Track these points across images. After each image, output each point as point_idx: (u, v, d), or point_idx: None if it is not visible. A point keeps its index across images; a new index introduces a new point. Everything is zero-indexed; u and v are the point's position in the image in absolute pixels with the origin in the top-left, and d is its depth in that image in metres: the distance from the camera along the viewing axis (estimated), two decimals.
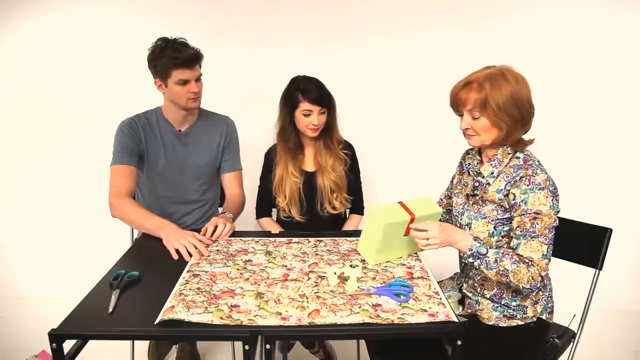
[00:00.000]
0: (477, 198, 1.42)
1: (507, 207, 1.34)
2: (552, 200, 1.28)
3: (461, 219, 1.46)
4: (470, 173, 1.48)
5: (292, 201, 1.85)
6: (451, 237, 1.33)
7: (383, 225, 1.32)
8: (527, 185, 1.28)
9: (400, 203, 1.40)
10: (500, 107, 1.28)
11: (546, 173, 1.31)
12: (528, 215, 1.27)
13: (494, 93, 1.28)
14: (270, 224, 1.93)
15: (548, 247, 1.28)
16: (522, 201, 1.28)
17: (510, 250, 1.30)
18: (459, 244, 1.33)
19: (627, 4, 2.32)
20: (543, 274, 1.27)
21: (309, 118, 1.77)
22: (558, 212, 1.31)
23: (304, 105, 1.75)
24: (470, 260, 1.32)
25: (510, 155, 1.36)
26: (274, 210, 1.99)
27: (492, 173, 1.38)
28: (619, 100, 2.44)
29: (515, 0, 2.37)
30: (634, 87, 2.42)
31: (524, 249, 1.28)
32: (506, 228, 1.36)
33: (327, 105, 1.79)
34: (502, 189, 1.34)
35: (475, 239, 1.34)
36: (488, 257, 1.29)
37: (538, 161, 1.36)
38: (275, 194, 1.88)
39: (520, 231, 1.29)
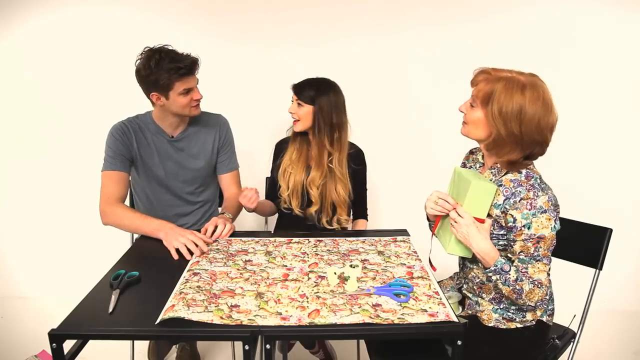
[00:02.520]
0: None
1: (503, 225, 1.31)
2: (554, 221, 1.26)
3: None
4: None
5: (294, 193, 1.85)
6: (473, 243, 1.29)
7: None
8: (529, 210, 1.25)
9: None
10: (501, 113, 1.23)
11: (547, 193, 1.26)
12: (532, 240, 1.26)
13: (501, 96, 1.23)
14: (264, 202, 1.93)
15: (548, 266, 1.30)
16: (524, 226, 1.26)
17: (524, 270, 1.28)
18: (483, 255, 1.29)
19: (627, 4, 2.32)
20: (548, 292, 1.31)
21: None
22: (557, 231, 1.29)
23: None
24: (490, 274, 1.30)
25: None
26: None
27: (491, 180, 1.36)
28: (619, 100, 2.44)
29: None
30: (634, 87, 2.42)
31: (532, 272, 1.27)
32: (501, 242, 1.33)
33: (307, 100, 1.79)
34: (500, 204, 1.31)
35: (503, 254, 1.32)
36: (509, 274, 1.27)
37: (540, 178, 1.31)
38: (279, 181, 1.87)
39: (525, 255, 1.27)
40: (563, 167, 2.36)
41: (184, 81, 1.63)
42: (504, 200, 1.30)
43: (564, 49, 2.39)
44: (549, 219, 1.25)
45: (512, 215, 1.27)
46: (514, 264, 1.30)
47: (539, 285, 1.27)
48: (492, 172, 1.37)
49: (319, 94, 1.77)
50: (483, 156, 1.45)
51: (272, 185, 1.93)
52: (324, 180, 1.81)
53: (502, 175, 1.34)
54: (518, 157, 1.28)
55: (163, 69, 1.59)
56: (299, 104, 1.79)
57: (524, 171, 1.32)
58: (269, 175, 2.01)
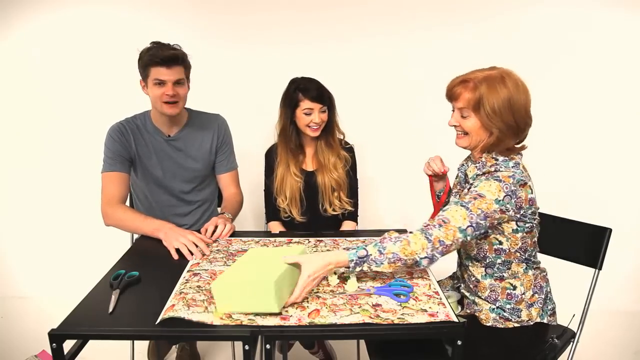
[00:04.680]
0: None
1: None
2: (504, 197, 1.23)
3: None
4: (460, 175, 1.49)
5: (293, 201, 1.86)
6: (321, 267, 1.18)
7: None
8: (486, 178, 1.27)
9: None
10: (495, 110, 1.25)
11: (514, 173, 1.26)
12: (471, 193, 1.25)
13: (489, 95, 1.25)
14: (277, 229, 1.93)
15: (469, 227, 1.21)
16: (474, 187, 1.27)
17: (387, 235, 1.25)
18: (339, 263, 1.22)
19: (627, 4, 2.32)
20: (447, 242, 1.19)
21: (309, 117, 1.78)
22: (504, 212, 1.25)
23: (305, 104, 1.77)
24: (359, 269, 1.22)
25: (495, 160, 1.34)
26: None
27: (475, 175, 1.36)
28: (619, 100, 2.44)
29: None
30: (634, 87, 2.42)
31: (449, 211, 1.23)
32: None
33: (327, 103, 1.81)
34: (470, 185, 1.33)
35: (347, 248, 1.27)
36: (371, 255, 1.20)
37: (515, 164, 1.31)
38: (276, 194, 1.88)
39: (455, 199, 1.27)
40: (563, 167, 2.36)
41: (157, 70, 1.61)
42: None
43: (564, 49, 2.39)
44: (499, 190, 1.23)
45: (473, 186, 1.29)
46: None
47: (439, 226, 1.20)
48: (476, 167, 1.38)
49: (330, 93, 1.83)
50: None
51: (271, 198, 1.93)
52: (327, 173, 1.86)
53: (486, 169, 1.34)
54: (514, 143, 1.33)
55: (147, 55, 1.62)
56: (322, 111, 1.80)
57: (500, 158, 1.32)
58: None
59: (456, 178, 1.58)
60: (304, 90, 1.77)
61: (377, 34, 2.43)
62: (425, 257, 1.20)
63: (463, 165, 1.51)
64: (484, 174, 1.30)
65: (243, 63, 2.46)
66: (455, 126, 1.37)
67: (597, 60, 2.40)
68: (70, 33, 2.45)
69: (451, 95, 1.35)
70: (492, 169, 1.29)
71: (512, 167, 1.30)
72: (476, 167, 1.38)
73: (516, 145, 1.35)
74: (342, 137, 1.93)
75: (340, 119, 1.90)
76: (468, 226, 1.21)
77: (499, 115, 1.26)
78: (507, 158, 1.33)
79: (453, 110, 1.37)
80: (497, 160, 1.33)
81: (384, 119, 2.53)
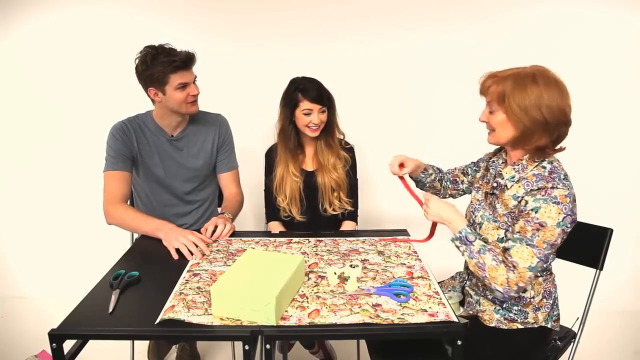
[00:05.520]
0: (494, 198, 1.40)
1: (516, 214, 1.30)
2: (564, 218, 1.21)
3: (475, 217, 1.45)
4: (491, 171, 1.47)
5: (293, 201, 1.86)
6: (444, 216, 1.38)
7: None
8: (543, 196, 1.23)
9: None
10: (521, 106, 1.23)
11: (568, 189, 1.24)
12: (533, 223, 1.23)
13: (515, 90, 1.24)
14: (277, 229, 1.93)
15: (539, 262, 1.23)
16: (532, 209, 1.23)
17: (496, 249, 1.30)
18: (452, 224, 1.37)
19: (627, 4, 2.32)
20: (521, 284, 1.24)
21: (309, 117, 1.78)
22: (565, 231, 1.24)
23: (304, 105, 1.76)
24: (457, 243, 1.35)
25: (537, 164, 1.31)
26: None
27: (513, 177, 1.34)
28: (618, 100, 2.44)
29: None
30: (634, 87, 2.42)
31: (515, 252, 1.24)
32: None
33: (327, 104, 1.80)
34: (518, 196, 1.30)
35: (468, 225, 1.36)
36: (473, 245, 1.31)
37: (565, 174, 1.28)
38: (275, 194, 1.88)
39: (520, 235, 1.25)
40: (563, 167, 2.36)
41: (179, 75, 1.63)
42: (524, 194, 1.28)
43: (564, 50, 2.39)
44: (559, 213, 1.21)
45: (526, 201, 1.26)
46: (490, 242, 1.33)
47: (512, 269, 1.23)
48: (514, 169, 1.35)
49: (330, 94, 1.82)
50: (506, 152, 1.43)
51: (271, 198, 1.93)
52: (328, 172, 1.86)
53: (527, 172, 1.32)
54: (547, 141, 1.28)
55: (159, 63, 1.60)
56: (322, 111, 1.80)
57: (548, 167, 1.29)
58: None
59: (478, 171, 1.57)
60: (303, 90, 1.77)
61: (378, 34, 2.42)
62: (500, 292, 1.27)
63: (493, 161, 1.48)
64: (539, 189, 1.25)
65: (243, 63, 2.46)
66: (485, 122, 1.36)
67: (597, 59, 2.39)
68: (70, 33, 2.45)
69: (481, 89, 1.34)
70: (549, 185, 1.24)
71: (564, 179, 1.27)
72: (514, 169, 1.35)
73: (553, 146, 1.30)
74: (342, 137, 1.93)
75: (340, 119, 1.90)
76: (538, 262, 1.24)
77: (525, 111, 1.23)
78: (556, 167, 1.29)
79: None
80: (544, 168, 1.29)
81: (384, 119, 2.53)
